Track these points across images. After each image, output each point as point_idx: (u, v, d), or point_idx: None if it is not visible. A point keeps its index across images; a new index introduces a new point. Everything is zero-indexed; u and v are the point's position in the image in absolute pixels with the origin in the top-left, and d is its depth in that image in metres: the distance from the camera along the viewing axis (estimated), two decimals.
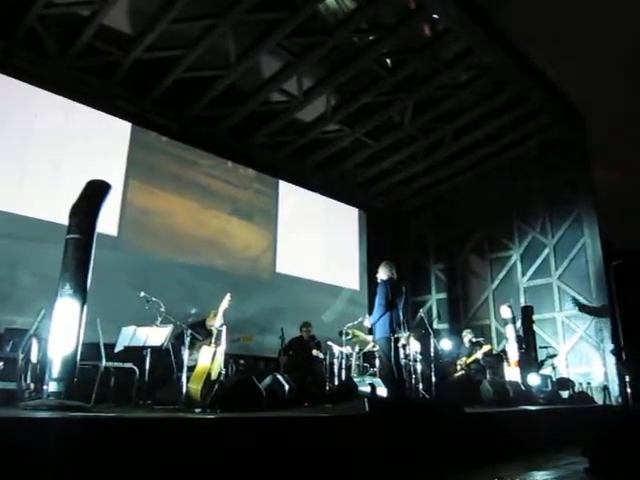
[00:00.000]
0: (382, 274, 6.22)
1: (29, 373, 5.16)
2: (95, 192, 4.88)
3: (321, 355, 7.90)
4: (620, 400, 9.52)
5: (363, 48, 8.60)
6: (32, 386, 5.04)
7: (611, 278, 10.37)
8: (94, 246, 4.63)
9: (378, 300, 6.02)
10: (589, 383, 10.02)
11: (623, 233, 12.36)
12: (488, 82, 9.74)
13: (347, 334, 7.71)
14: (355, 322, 7.69)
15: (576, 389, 9.82)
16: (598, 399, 9.70)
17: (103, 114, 8.59)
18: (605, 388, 9.73)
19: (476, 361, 8.69)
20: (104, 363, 5.32)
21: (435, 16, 8.26)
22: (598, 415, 8.36)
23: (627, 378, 9.47)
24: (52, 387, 4.15)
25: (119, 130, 8.81)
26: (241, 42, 8.23)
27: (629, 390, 9.37)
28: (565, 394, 9.67)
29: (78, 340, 4.35)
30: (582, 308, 10.45)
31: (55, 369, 4.19)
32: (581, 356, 10.41)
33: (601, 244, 10.48)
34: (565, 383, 9.76)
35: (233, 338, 6.66)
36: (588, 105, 11.23)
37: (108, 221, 7.66)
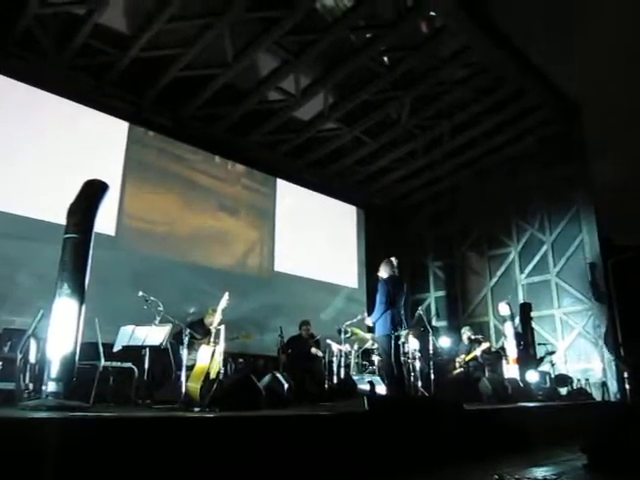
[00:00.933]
0: (383, 272, 6.19)
1: (28, 373, 5.15)
2: (93, 192, 4.86)
3: (320, 353, 7.90)
4: (619, 396, 9.54)
5: (360, 46, 8.59)
6: (31, 386, 5.04)
7: (609, 275, 10.38)
8: (92, 246, 4.63)
9: (379, 298, 6.00)
10: (587, 379, 10.03)
11: (623, 229, 12.33)
12: (486, 78, 9.70)
13: (346, 332, 7.73)
14: (354, 320, 7.70)
15: (575, 385, 9.82)
16: (597, 395, 9.71)
17: (100, 113, 8.59)
18: (604, 384, 9.74)
19: (475, 358, 8.67)
20: (103, 363, 5.32)
21: (432, 13, 8.25)
22: (597, 411, 8.37)
23: (625, 374, 9.49)
24: (51, 387, 4.14)
25: (117, 129, 8.81)
26: (238, 41, 8.21)
27: (627, 386, 9.40)
28: (564, 391, 9.68)
29: (77, 340, 4.34)
30: None
31: (54, 369, 4.18)
32: (580, 352, 10.42)
33: (599, 241, 10.48)
34: (564, 380, 9.76)
35: (232, 336, 6.66)
36: (587, 100, 11.17)
37: (106, 221, 7.65)
